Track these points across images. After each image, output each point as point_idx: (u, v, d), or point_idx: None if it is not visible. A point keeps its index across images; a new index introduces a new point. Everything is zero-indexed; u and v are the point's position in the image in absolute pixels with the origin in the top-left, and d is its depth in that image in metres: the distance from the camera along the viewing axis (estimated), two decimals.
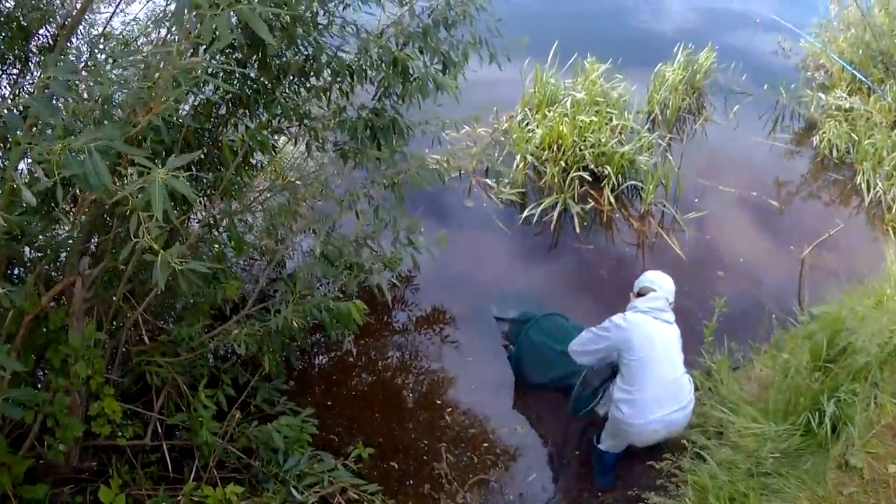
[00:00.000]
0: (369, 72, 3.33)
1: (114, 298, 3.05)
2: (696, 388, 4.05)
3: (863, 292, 4.45)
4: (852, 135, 5.99)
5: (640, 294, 3.59)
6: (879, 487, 3.26)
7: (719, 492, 3.17)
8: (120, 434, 3.10)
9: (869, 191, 5.63)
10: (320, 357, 4.32)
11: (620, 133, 5.69)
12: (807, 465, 3.22)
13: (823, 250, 5.23)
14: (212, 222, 3.37)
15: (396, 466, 3.88)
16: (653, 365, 3.34)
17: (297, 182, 3.85)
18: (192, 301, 3.41)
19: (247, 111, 3.30)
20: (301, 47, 3.11)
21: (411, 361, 4.46)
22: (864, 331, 3.58)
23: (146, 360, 3.24)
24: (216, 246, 3.63)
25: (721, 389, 3.91)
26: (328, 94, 3.38)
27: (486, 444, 4.02)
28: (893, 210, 5.48)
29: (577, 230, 5.24)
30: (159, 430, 3.34)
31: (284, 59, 3.17)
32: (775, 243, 5.34)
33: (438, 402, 4.21)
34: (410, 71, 3.29)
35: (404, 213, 3.40)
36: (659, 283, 3.56)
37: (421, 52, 3.39)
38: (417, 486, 3.80)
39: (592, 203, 5.46)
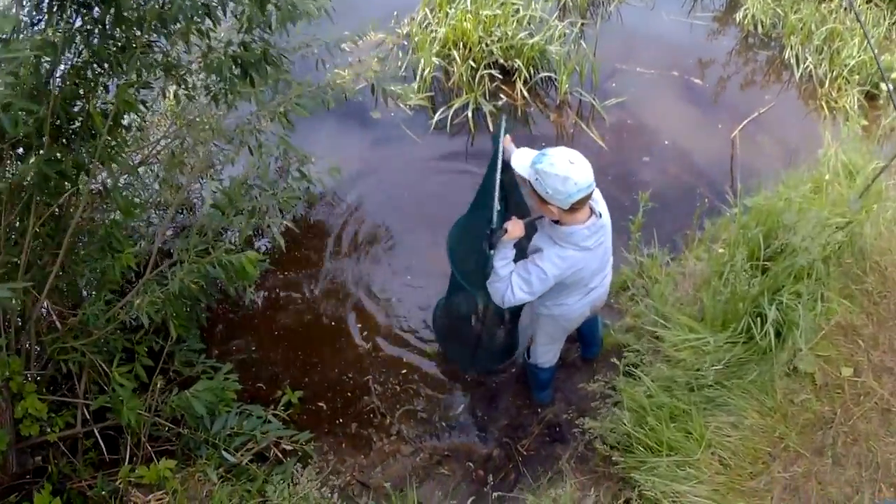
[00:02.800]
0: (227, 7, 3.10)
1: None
2: (627, 289, 4.13)
3: (798, 178, 4.28)
4: (777, 10, 5.88)
5: (573, 208, 2.67)
6: (833, 392, 3.20)
7: (658, 411, 3.10)
8: (50, 430, 3.12)
9: (799, 66, 5.57)
10: (232, 310, 4.23)
11: (529, 24, 5.51)
12: (752, 375, 3.11)
13: (755, 129, 5.21)
14: (101, 190, 3.20)
15: (325, 407, 3.93)
16: (588, 278, 2.99)
17: (183, 129, 3.67)
18: (91, 279, 3.28)
19: (112, 71, 3.07)
20: None
21: (328, 295, 4.41)
22: (803, 225, 3.40)
23: (60, 347, 3.16)
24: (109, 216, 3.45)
25: (654, 291, 3.85)
26: (187, 37, 3.15)
27: (415, 374, 4.05)
28: (826, 85, 5.45)
29: (492, 129, 5.15)
30: (88, 416, 3.33)
31: (142, 8, 2.94)
32: (702, 124, 5.30)
33: (361, 334, 4.21)
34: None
35: (290, 146, 3.24)
36: (589, 181, 2.62)
37: None
38: (347, 425, 3.86)
39: (505, 99, 5.37)
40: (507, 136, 2.89)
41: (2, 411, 2.92)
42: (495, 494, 3.46)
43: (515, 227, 2.80)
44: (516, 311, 3.52)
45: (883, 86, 5.24)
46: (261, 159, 3.21)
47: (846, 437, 3.08)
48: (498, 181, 2.76)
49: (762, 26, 5.91)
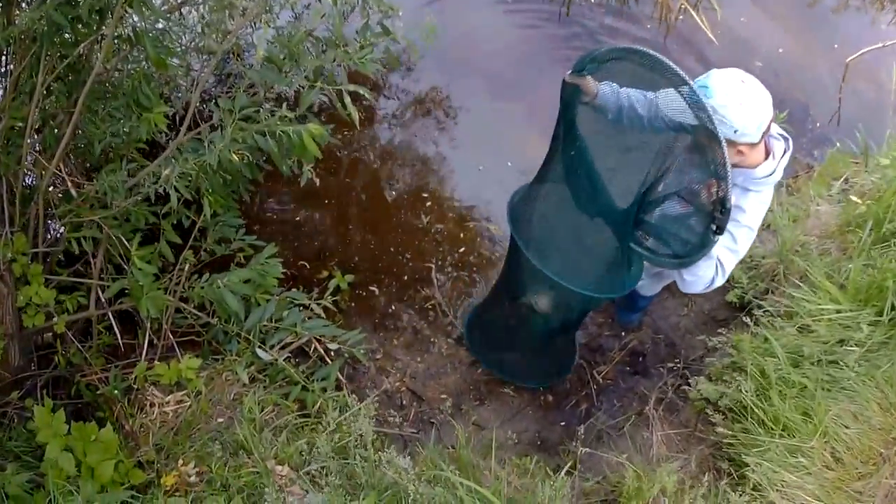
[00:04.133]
0: None
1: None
2: None
3: None
4: None
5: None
6: None
7: (784, 386, 2.66)
8: (57, 318, 2.68)
9: None
10: (279, 181, 3.66)
11: None
12: (885, 365, 2.63)
13: (871, 61, 4.40)
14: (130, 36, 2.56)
15: (378, 293, 3.50)
16: None
17: None
18: (111, 144, 2.70)
19: None
20: None
21: (390, 168, 3.90)
22: None
23: (74, 221, 2.66)
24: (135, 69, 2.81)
25: (777, 222, 3.34)
26: None
27: (484, 268, 3.58)
28: None
29: None
30: (101, 299, 2.87)
31: None
32: (819, 40, 4.57)
33: (425, 217, 3.71)
34: None
35: None
36: (770, 103, 2.04)
37: None
38: (401, 318, 3.46)
39: None
40: (588, 76, 2.00)
41: (2, 297, 2.45)
42: (562, 424, 3.11)
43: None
44: (579, 315, 2.90)
45: None
46: (336, 6, 2.54)
47: None
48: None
49: None
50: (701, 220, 2.00)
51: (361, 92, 2.50)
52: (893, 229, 2.90)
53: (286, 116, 2.39)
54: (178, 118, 3.31)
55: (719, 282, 2.26)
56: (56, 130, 2.69)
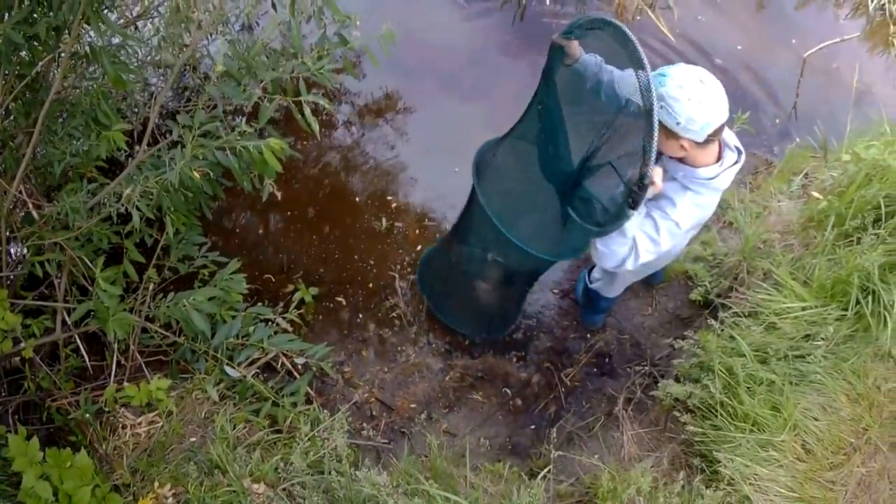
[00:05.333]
0: None
1: None
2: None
3: None
4: None
5: (708, 139, 2.11)
6: None
7: (752, 383, 2.71)
8: (24, 342, 2.63)
9: None
10: (239, 194, 3.64)
11: None
12: (852, 357, 2.72)
13: (829, 57, 4.52)
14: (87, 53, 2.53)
15: (344, 304, 3.50)
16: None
17: None
18: (70, 164, 2.67)
19: None
20: None
21: (352, 175, 3.90)
22: None
23: (39, 245, 2.64)
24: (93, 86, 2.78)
25: (737, 219, 3.41)
26: None
27: None
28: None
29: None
30: (67, 322, 2.82)
31: None
32: (776, 35, 4.63)
33: (388, 222, 3.72)
34: None
35: (331, 3, 2.55)
36: (726, 104, 2.09)
37: None
38: (368, 329, 3.47)
39: None
40: (575, 40, 2.13)
41: None
42: (532, 427, 3.15)
43: (659, 179, 2.12)
44: (533, 273, 2.98)
45: None
46: (293, 17, 2.53)
47: None
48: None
49: None
50: (623, 194, 2.07)
51: (321, 103, 2.50)
52: (856, 225, 2.97)
53: (246, 132, 2.39)
54: (136, 134, 3.28)
55: (630, 265, 2.31)
56: (15, 152, 2.66)
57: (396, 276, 3.56)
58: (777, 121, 4.27)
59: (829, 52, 4.47)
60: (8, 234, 2.68)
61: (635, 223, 2.19)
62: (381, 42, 2.54)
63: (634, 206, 2.02)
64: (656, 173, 2.03)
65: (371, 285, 3.55)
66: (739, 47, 4.52)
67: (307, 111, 2.50)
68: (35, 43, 2.34)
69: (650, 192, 2.09)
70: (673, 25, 4.51)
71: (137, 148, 2.63)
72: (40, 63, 2.45)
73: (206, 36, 3.39)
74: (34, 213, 2.60)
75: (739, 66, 4.44)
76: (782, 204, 3.42)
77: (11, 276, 2.83)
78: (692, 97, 2.02)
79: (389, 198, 3.80)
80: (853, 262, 2.80)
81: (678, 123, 2.05)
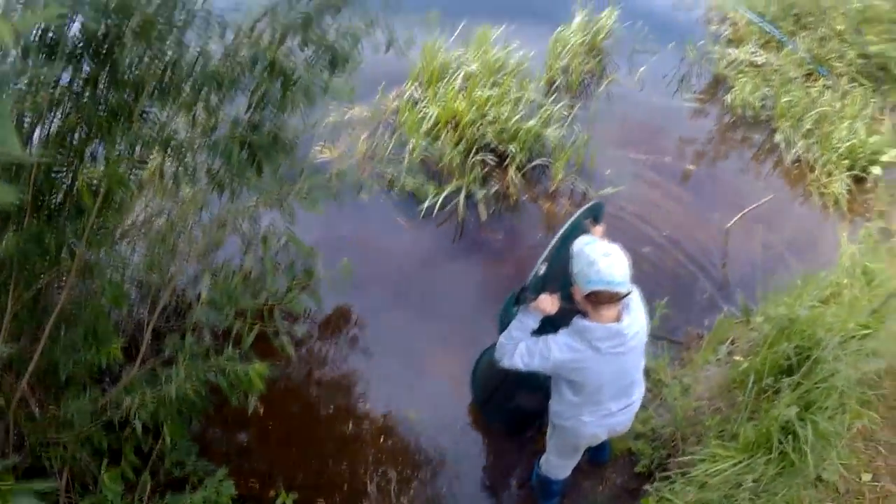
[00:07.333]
0: (241, 79, 2.91)
1: None
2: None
3: (814, 283, 4.17)
4: (767, 91, 6.01)
5: (594, 300, 2.64)
6: (854, 499, 3.23)
7: None
8: None
9: (790, 150, 5.66)
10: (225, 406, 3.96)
11: (523, 106, 5.43)
12: (783, 490, 3.07)
13: (751, 220, 5.17)
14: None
15: None
16: (607, 387, 2.88)
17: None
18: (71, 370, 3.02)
19: (103, 139, 2.85)
20: (157, 51, 2.64)
21: (327, 390, 4.22)
22: (831, 340, 3.37)
23: (41, 440, 2.92)
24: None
25: (666, 394, 3.80)
26: (193, 110, 2.96)
27: (418, 477, 3.87)
28: (816, 171, 5.52)
29: (483, 217, 5.06)
30: None
31: (139, 70, 2.72)
32: (699, 214, 5.29)
33: (361, 430, 4.01)
34: (291, 74, 2.91)
35: (298, 242, 3.07)
36: (617, 279, 2.58)
37: (304, 46, 2.98)
38: None
39: (497, 185, 5.22)
40: (600, 225, 2.96)
41: None
42: None
43: (546, 302, 2.76)
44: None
45: (873, 169, 5.42)
46: (266, 254, 3.04)
47: None
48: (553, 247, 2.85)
49: (752, 108, 6.00)
50: (517, 291, 2.85)
51: (295, 329, 2.95)
52: (770, 382, 3.39)
53: (233, 357, 2.79)
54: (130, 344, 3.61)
55: (507, 362, 2.85)
56: (20, 352, 2.91)
57: (368, 482, 3.78)
58: (705, 295, 4.70)
59: (751, 217, 5.08)
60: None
61: (516, 326, 2.83)
62: (342, 272, 3.05)
63: (517, 302, 2.81)
64: (550, 299, 2.75)
65: (346, 488, 3.76)
66: (665, 233, 5.07)
67: (285, 339, 2.95)
68: (44, 257, 2.69)
69: (534, 306, 2.76)
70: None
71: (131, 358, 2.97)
72: (46, 275, 2.77)
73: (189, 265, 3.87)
74: (36, 413, 2.85)
75: (667, 249, 4.97)
76: (709, 372, 3.85)
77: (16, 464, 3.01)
78: (589, 256, 2.61)
79: (358, 409, 4.10)
80: (772, 415, 3.19)
81: (574, 272, 2.66)
